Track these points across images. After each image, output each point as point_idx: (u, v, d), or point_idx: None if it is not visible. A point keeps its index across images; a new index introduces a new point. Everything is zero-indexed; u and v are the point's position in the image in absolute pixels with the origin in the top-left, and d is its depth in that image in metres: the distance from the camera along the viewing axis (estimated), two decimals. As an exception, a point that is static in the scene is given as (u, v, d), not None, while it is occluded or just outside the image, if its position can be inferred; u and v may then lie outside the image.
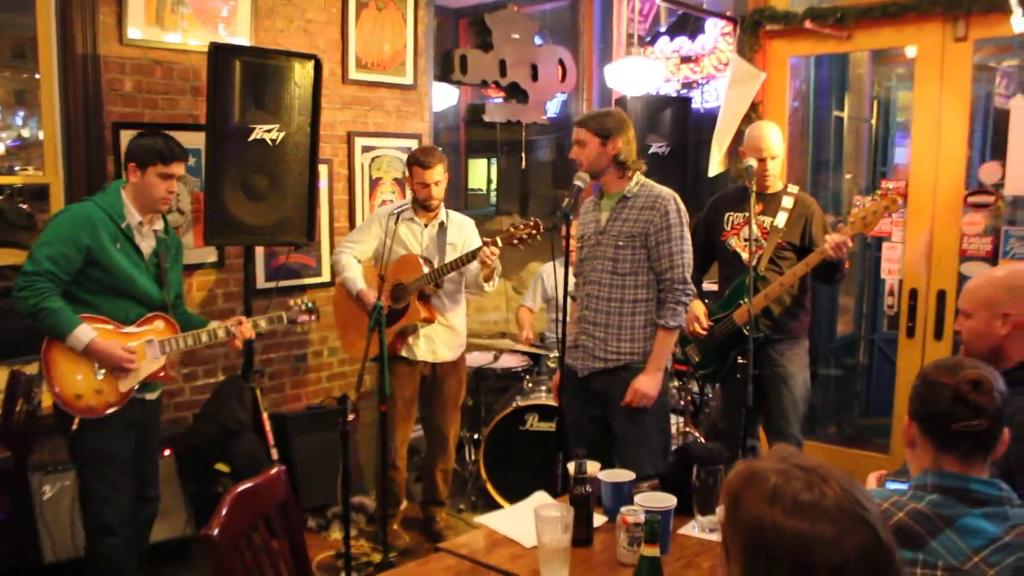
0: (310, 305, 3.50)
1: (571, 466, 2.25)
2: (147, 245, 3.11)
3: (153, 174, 3.03)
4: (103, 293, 3.00)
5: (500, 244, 3.60)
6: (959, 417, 1.58)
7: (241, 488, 2.13)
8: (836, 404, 5.89)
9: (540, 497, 2.47)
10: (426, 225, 3.98)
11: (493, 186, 12.47)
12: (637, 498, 2.18)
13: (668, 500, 2.17)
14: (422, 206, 3.93)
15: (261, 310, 4.17)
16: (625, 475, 2.36)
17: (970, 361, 1.65)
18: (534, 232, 3.57)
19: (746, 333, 3.45)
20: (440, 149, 4.04)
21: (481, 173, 12.78)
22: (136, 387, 3.06)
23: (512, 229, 3.58)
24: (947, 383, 1.60)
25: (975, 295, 2.23)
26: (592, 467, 2.32)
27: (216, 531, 1.97)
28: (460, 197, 12.11)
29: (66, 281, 2.94)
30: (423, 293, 3.88)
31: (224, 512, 2.02)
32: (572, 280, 3.33)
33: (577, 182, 3.06)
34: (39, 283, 2.88)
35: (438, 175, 3.86)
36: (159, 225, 3.17)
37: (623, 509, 2.07)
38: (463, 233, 4.06)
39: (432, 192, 3.88)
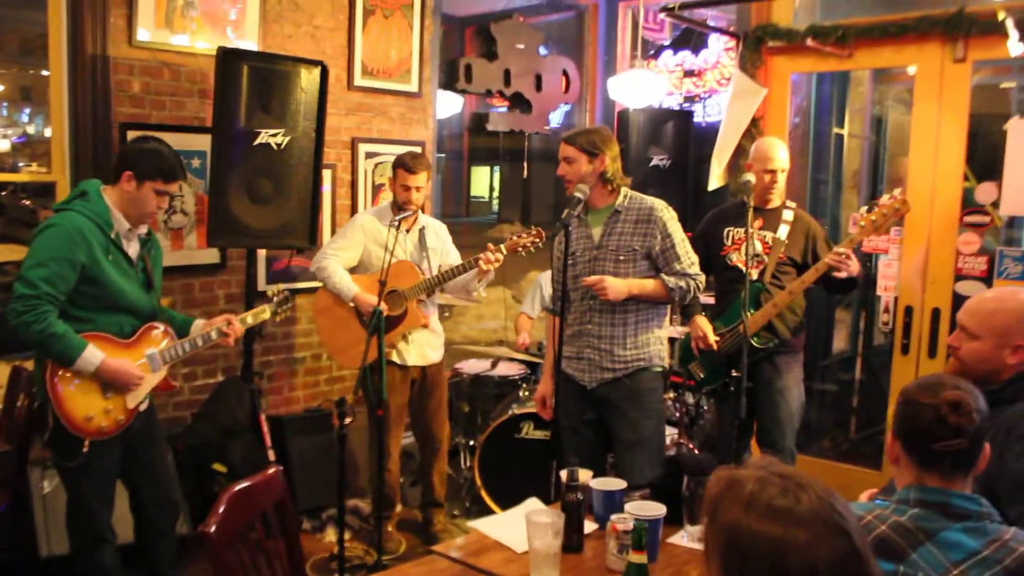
0: (287, 293, 3.49)
1: (564, 473, 2.29)
2: (134, 250, 3.01)
3: (150, 189, 2.92)
4: (97, 308, 2.89)
5: (504, 252, 3.66)
6: (940, 437, 1.62)
7: (239, 487, 2.16)
8: (831, 419, 5.92)
9: (532, 503, 2.50)
10: (408, 231, 4.03)
11: (495, 194, 12.50)
12: (627, 506, 2.22)
13: (658, 509, 2.21)
14: (400, 208, 3.93)
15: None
16: (617, 483, 2.40)
17: (951, 380, 1.68)
18: (537, 241, 3.66)
19: (756, 345, 3.48)
20: (425, 158, 4.05)
21: (484, 181, 12.81)
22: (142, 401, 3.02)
23: (516, 238, 3.65)
24: (928, 403, 1.64)
25: (990, 321, 2.16)
26: (584, 475, 2.36)
27: (213, 528, 2.00)
28: (463, 204, 12.10)
29: (62, 301, 2.80)
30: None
31: (222, 510, 2.06)
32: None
33: (577, 193, 3.10)
34: (41, 307, 2.73)
35: (420, 181, 3.91)
36: (144, 229, 3.05)
37: (613, 517, 2.11)
38: (440, 239, 4.14)
39: (412, 196, 3.92)
